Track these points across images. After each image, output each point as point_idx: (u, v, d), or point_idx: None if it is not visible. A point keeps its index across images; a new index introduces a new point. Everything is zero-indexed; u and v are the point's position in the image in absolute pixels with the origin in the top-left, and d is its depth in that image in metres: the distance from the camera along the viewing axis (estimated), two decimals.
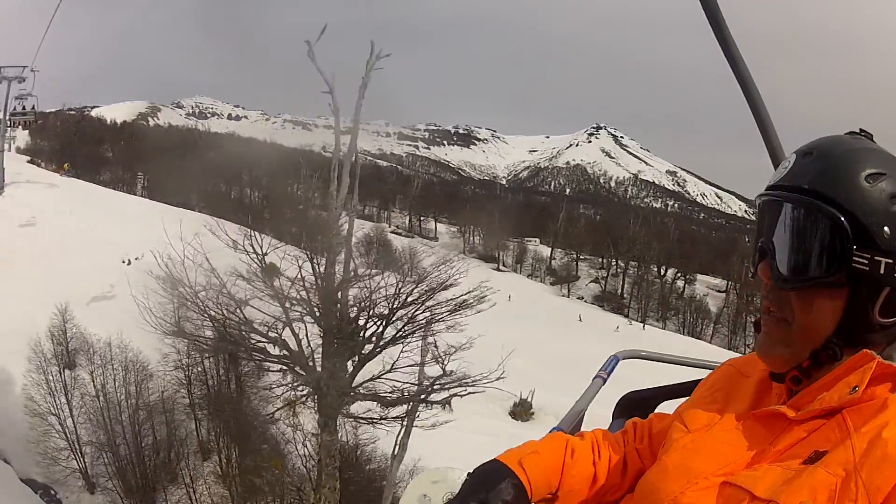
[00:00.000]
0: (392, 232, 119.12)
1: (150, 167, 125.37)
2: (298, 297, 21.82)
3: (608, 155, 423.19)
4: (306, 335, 21.89)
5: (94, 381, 36.35)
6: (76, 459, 35.29)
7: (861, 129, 1.45)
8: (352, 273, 23.02)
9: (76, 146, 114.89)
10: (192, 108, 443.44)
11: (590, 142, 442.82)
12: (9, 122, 61.94)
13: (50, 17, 45.58)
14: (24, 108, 60.92)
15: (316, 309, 21.88)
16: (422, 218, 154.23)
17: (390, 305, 21.57)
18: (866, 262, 1.30)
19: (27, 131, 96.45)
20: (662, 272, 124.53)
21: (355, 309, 22.26)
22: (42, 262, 50.10)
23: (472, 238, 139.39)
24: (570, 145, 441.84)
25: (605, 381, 3.00)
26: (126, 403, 36.39)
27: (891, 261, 1.31)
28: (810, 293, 1.34)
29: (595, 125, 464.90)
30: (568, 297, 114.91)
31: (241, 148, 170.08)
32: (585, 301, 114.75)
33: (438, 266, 22.43)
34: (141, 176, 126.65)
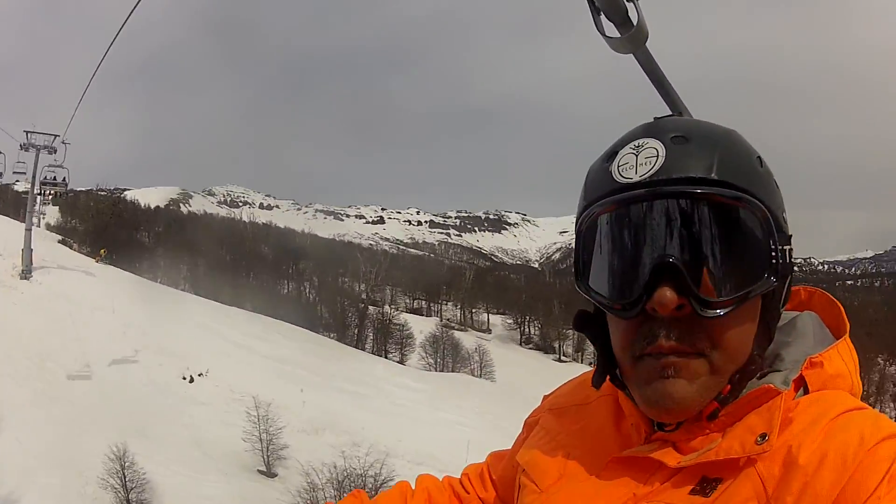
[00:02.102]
0: (444, 326, 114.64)
1: (191, 258, 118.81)
2: None
3: None
4: None
5: None
6: None
7: (678, 113, 1.38)
8: None
9: (112, 230, 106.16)
10: (224, 196, 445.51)
11: None
12: (39, 191, 57.21)
13: (81, 93, 39.98)
14: (54, 177, 56.62)
15: None
16: (473, 310, 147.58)
17: None
18: (781, 254, 1.14)
19: (57, 207, 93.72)
20: None
21: None
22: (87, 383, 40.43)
23: (527, 328, 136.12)
24: None
25: None
26: None
27: (790, 246, 1.18)
28: (737, 308, 1.11)
29: None
30: None
31: (284, 240, 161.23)
32: None
33: None
34: (183, 268, 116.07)
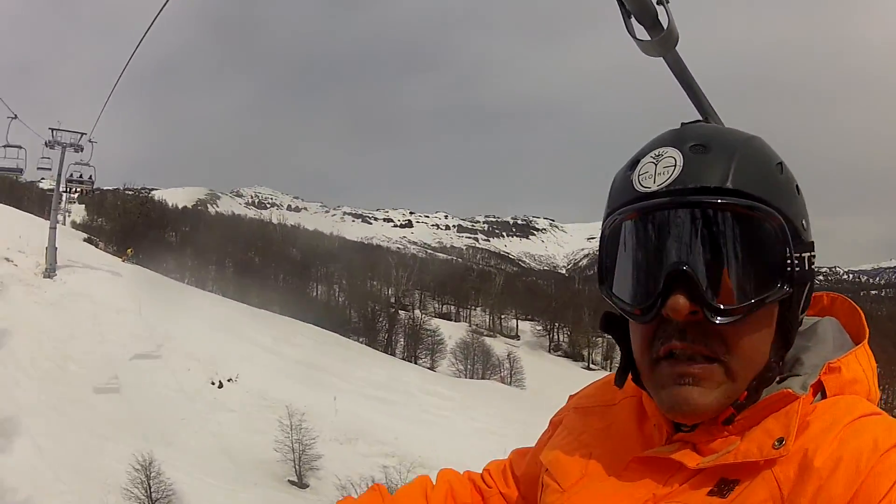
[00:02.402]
0: (473, 331, 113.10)
1: (219, 259, 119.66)
2: None
3: None
4: None
5: None
6: None
7: (705, 117, 1.45)
8: None
9: (139, 229, 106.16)
10: (252, 197, 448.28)
11: None
12: (65, 188, 56.65)
13: (108, 93, 38.87)
14: (80, 175, 55.58)
15: None
16: (502, 316, 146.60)
17: None
18: (798, 261, 1.17)
19: (83, 205, 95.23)
20: None
21: None
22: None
23: (556, 335, 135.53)
24: None
25: None
26: None
27: (810, 253, 1.20)
28: (750, 315, 1.15)
29: None
30: None
31: (312, 242, 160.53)
32: None
33: None
34: (211, 269, 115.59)
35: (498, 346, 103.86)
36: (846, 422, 1.08)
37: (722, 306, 1.11)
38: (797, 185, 1.22)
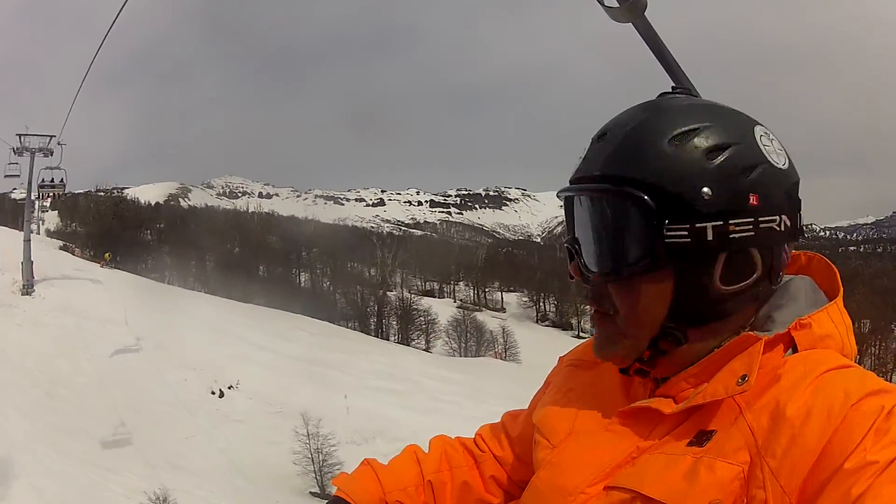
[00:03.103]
0: (459, 307, 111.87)
1: (198, 254, 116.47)
2: None
3: None
4: None
5: None
6: None
7: (674, 87, 1.41)
8: None
9: (116, 231, 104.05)
10: (223, 187, 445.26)
11: None
12: (38, 195, 55.26)
13: (75, 93, 39.97)
14: (52, 180, 54.37)
15: None
16: (486, 289, 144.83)
17: None
18: (685, 233, 1.19)
19: (56, 212, 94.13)
20: None
21: None
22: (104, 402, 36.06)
23: (543, 305, 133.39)
24: None
25: None
26: None
27: (720, 222, 1.19)
28: (629, 281, 1.26)
29: None
30: None
31: (290, 229, 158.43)
32: None
33: None
34: (192, 264, 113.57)
35: (485, 319, 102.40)
36: (817, 373, 1.12)
37: (590, 274, 1.28)
38: (709, 151, 1.20)
